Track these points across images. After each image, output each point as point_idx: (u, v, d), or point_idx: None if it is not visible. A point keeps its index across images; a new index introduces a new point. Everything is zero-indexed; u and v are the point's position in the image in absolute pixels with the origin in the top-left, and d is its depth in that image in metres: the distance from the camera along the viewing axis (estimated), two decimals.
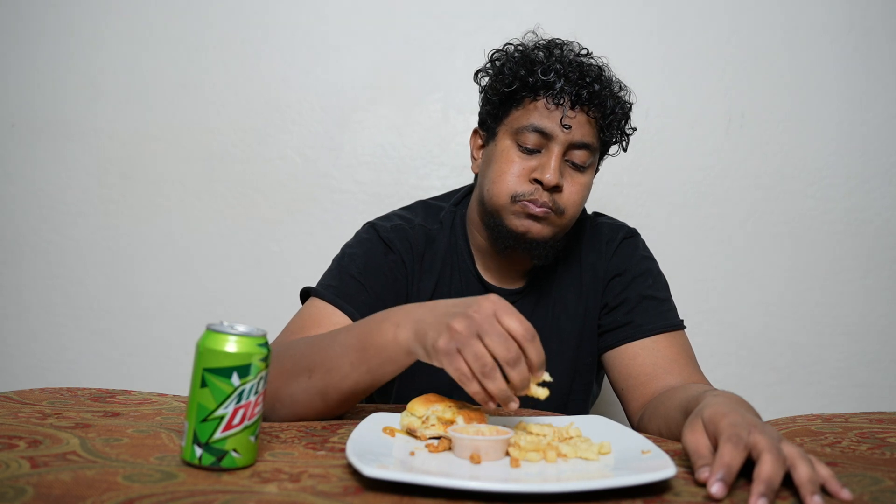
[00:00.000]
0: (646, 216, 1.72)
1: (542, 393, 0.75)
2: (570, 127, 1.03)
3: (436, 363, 0.76)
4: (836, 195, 1.74)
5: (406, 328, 0.79)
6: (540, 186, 1.04)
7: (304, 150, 1.74)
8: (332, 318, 1.02)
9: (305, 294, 1.09)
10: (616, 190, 1.74)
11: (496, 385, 0.72)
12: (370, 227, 1.16)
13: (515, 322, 0.73)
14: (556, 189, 1.04)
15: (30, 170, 1.74)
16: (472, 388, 0.73)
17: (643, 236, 1.23)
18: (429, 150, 1.74)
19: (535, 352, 0.73)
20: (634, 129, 1.14)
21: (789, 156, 1.74)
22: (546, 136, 1.04)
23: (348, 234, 1.18)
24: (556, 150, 1.04)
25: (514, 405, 0.74)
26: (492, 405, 0.74)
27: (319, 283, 1.08)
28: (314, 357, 0.86)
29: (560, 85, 1.03)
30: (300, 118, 1.74)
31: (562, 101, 1.04)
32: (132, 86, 1.74)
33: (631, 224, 1.23)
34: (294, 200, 1.73)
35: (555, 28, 1.16)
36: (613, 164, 1.68)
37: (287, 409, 0.87)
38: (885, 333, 1.74)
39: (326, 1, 1.74)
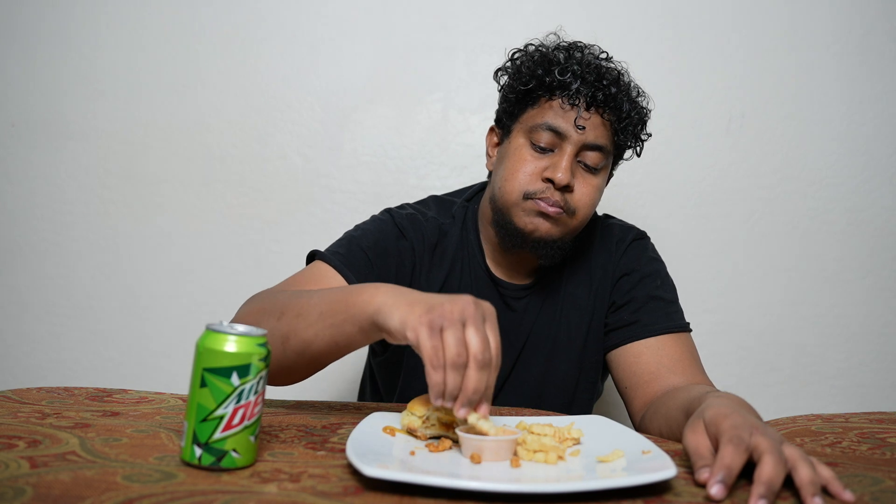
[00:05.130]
0: (645, 216, 1.72)
1: (487, 427, 0.69)
2: (583, 128, 1.04)
3: (403, 337, 0.70)
4: (836, 195, 1.74)
5: (385, 295, 0.74)
6: (551, 185, 1.04)
7: (304, 150, 1.73)
8: (332, 282, 1.01)
9: (310, 258, 1.08)
10: (616, 190, 1.73)
11: (455, 381, 0.67)
12: (386, 211, 1.17)
13: (494, 337, 0.69)
14: (566, 189, 1.04)
15: (30, 170, 1.74)
16: (435, 378, 0.67)
17: None
18: (429, 150, 1.74)
19: (484, 378, 0.68)
20: (650, 135, 1.14)
21: (789, 156, 1.74)
22: (559, 135, 1.04)
23: None
24: (568, 149, 1.04)
25: (464, 412, 0.68)
26: (440, 402, 0.68)
27: (327, 249, 1.07)
28: (291, 302, 0.85)
29: (576, 86, 1.04)
30: (300, 118, 1.74)
31: (577, 102, 1.04)
32: (132, 86, 1.74)
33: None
34: (294, 200, 1.73)
35: (553, 27, 1.16)
36: None
37: None
38: (886, 333, 1.74)
39: (326, 1, 1.74)
